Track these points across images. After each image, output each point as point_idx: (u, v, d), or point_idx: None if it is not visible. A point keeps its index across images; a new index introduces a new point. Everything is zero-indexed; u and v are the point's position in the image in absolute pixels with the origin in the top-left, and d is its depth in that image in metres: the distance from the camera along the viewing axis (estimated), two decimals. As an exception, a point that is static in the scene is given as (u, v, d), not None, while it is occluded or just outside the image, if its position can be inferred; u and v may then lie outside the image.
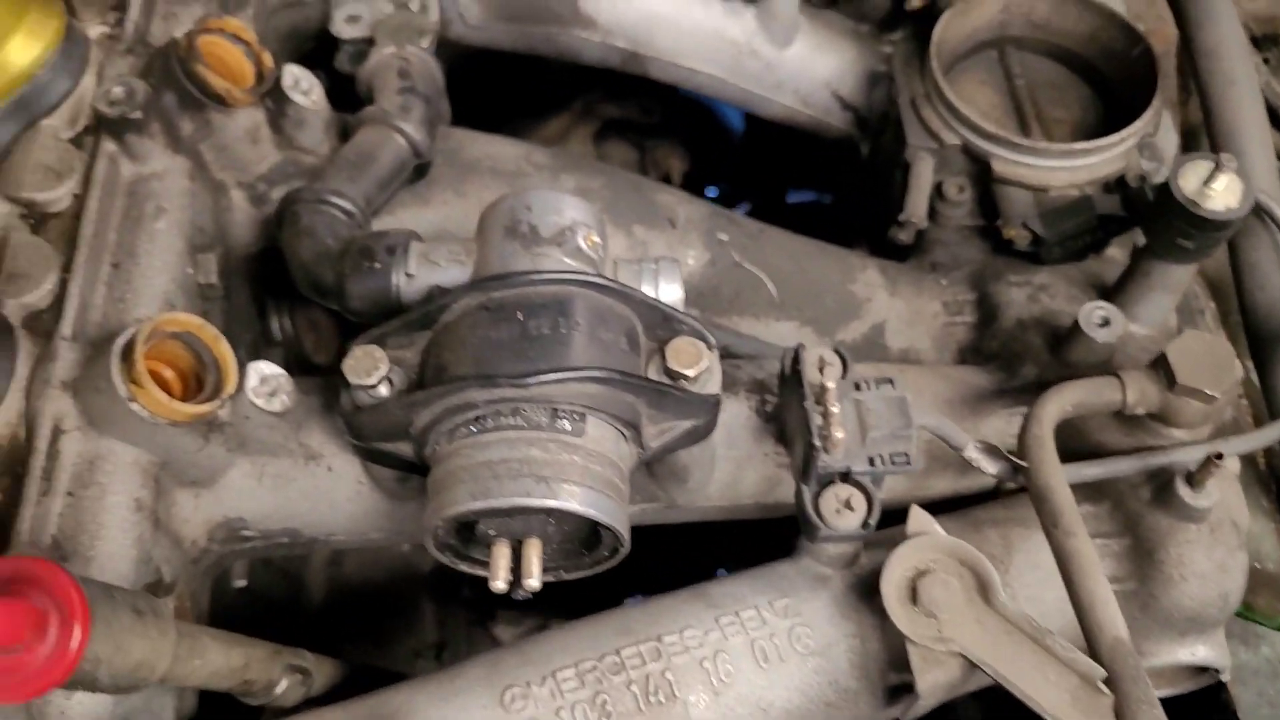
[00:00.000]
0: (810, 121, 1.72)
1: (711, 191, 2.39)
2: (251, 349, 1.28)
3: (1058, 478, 1.07)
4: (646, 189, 1.37)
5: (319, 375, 1.35)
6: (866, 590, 1.08)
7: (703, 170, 2.32)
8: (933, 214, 1.48)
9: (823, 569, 1.09)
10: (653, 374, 1.00)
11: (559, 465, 0.90)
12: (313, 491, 1.08)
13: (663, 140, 2.18)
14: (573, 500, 0.89)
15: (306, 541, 1.12)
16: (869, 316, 1.43)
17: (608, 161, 2.13)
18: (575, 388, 0.92)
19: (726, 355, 1.35)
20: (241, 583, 1.30)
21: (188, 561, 1.06)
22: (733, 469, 1.19)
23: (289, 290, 1.49)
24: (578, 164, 1.35)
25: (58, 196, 1.09)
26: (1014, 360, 1.35)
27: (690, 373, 0.99)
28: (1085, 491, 1.18)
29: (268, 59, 1.18)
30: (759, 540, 1.19)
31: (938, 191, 1.48)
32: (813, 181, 2.46)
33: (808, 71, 1.67)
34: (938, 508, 1.23)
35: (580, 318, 0.95)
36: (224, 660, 0.88)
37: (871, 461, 1.05)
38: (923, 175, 1.46)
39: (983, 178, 1.46)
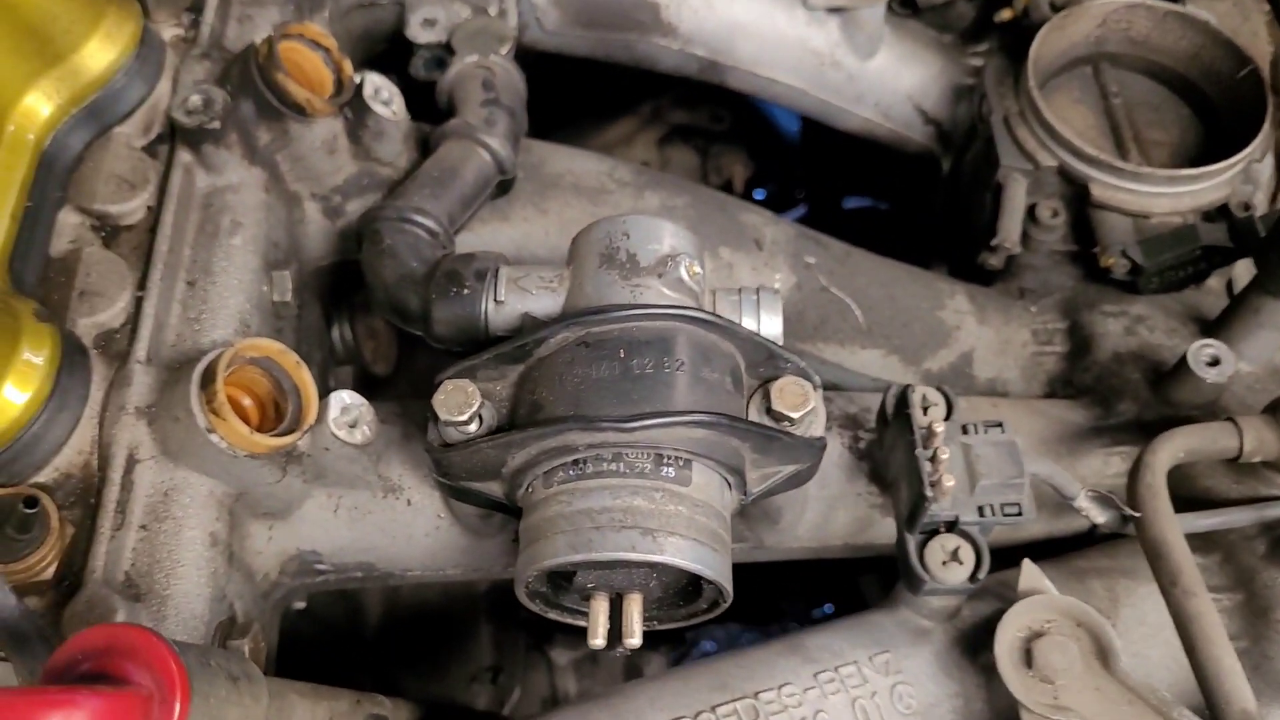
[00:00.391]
0: (890, 135, 1.66)
1: (759, 194, 2.34)
2: (321, 367, 1.23)
3: (1174, 531, 1.01)
4: (732, 208, 1.31)
5: (381, 387, 1.30)
6: (970, 646, 1.02)
7: (761, 177, 2.27)
8: (1024, 237, 1.42)
9: (923, 622, 1.03)
10: (754, 415, 0.94)
11: (664, 516, 0.85)
12: (390, 525, 1.04)
13: (726, 146, 2.12)
14: (679, 555, 0.84)
15: (381, 576, 1.07)
16: (957, 345, 1.37)
17: (670, 167, 2.08)
18: (681, 432, 0.87)
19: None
20: (301, 605, 1.25)
21: (259, 595, 1.01)
22: (824, 509, 1.13)
23: (349, 299, 1.45)
24: (662, 181, 1.29)
25: (131, 209, 1.04)
26: (1111, 396, 1.29)
27: (796, 415, 0.93)
28: (1194, 541, 1.12)
29: (348, 67, 1.13)
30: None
31: (1030, 214, 1.42)
32: (869, 188, 2.42)
33: (890, 84, 1.61)
34: (1027, 551, 1.18)
35: (684, 356, 0.89)
36: (308, 716, 0.83)
37: (981, 511, 0.99)
38: (1016, 198, 1.40)
39: (1079, 201, 1.40)
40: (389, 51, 1.39)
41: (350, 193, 1.17)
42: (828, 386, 1.35)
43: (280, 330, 1.10)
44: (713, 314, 0.92)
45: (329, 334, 1.31)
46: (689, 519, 0.86)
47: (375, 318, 1.54)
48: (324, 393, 0.98)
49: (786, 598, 1.87)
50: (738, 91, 1.60)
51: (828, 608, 2.30)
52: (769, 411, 0.94)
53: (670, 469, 0.87)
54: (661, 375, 0.88)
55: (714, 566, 0.86)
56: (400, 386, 1.62)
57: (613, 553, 0.83)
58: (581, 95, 1.94)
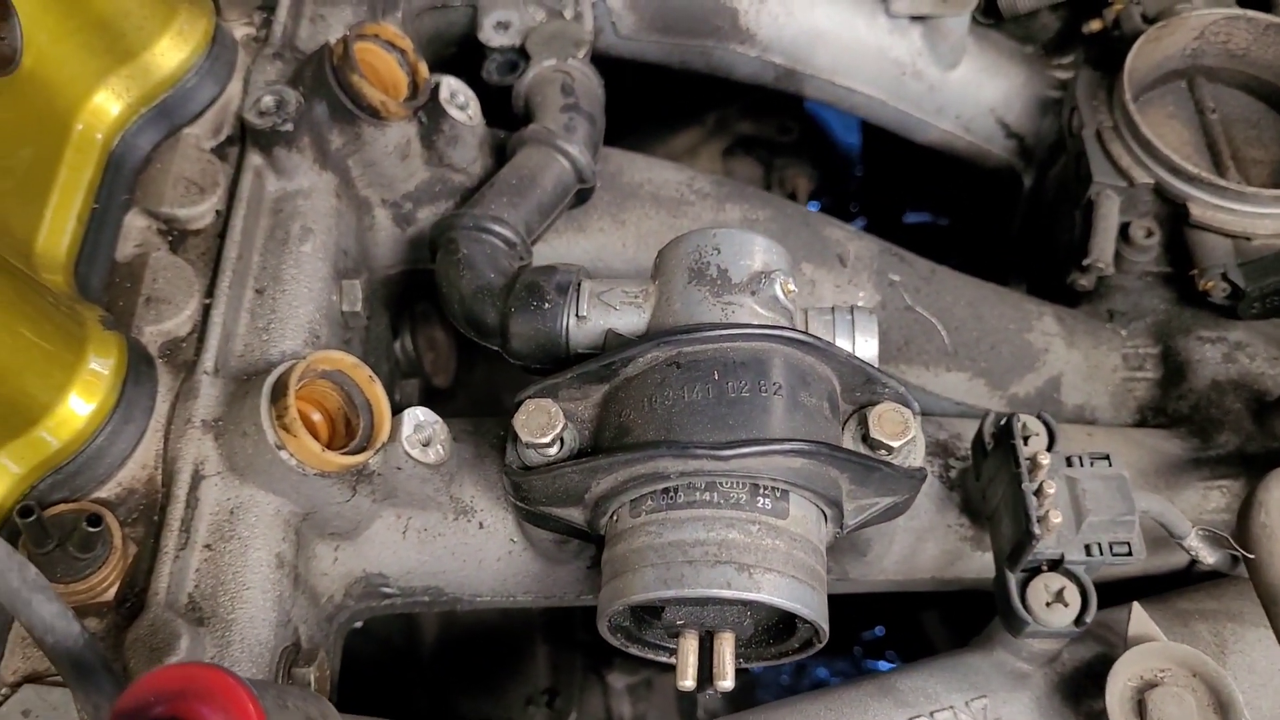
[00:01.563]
0: (970, 149, 1.60)
1: (813, 206, 2.29)
2: (388, 380, 1.18)
3: (1292, 577, 0.94)
4: (815, 222, 1.25)
5: (439, 400, 1.25)
6: (1072, 693, 0.96)
7: (818, 191, 2.22)
8: (1115, 258, 1.35)
9: (1022, 665, 0.97)
10: (850, 443, 0.89)
11: (761, 551, 0.79)
12: (460, 549, 0.99)
13: (791, 159, 2.06)
14: (777, 594, 0.78)
15: (449, 601, 1.02)
16: (1045, 369, 1.31)
17: (733, 178, 2.02)
18: (778, 461, 0.81)
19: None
20: (358, 624, 1.21)
21: (323, 619, 0.97)
22: (912, 541, 1.07)
23: (410, 309, 1.41)
24: (743, 194, 1.24)
25: (200, 213, 1.00)
26: (1209, 426, 1.23)
27: (895, 444, 0.88)
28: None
29: (423, 69, 1.09)
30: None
31: (1123, 234, 1.35)
32: (929, 204, 2.36)
33: (972, 96, 1.55)
34: (1117, 588, 1.12)
35: (781, 379, 0.84)
36: (381, 755, 0.79)
37: (1089, 550, 0.93)
38: (1109, 216, 1.33)
39: (1175, 221, 1.33)
40: (459, 55, 1.36)
41: (422, 200, 1.13)
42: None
43: (349, 341, 1.06)
44: (811, 335, 0.87)
45: (394, 346, 1.27)
46: (786, 554, 0.81)
47: (435, 328, 1.50)
48: (393, 408, 0.94)
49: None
50: (815, 100, 1.55)
51: (878, 630, 2.24)
52: (865, 439, 0.89)
53: (767, 500, 0.82)
54: (758, 400, 0.83)
55: (812, 605, 0.81)
56: (459, 400, 1.58)
57: (706, 590, 0.78)
58: (645, 105, 1.90)
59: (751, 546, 0.79)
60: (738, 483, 0.81)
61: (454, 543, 0.98)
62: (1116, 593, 1.06)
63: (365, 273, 1.10)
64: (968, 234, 2.13)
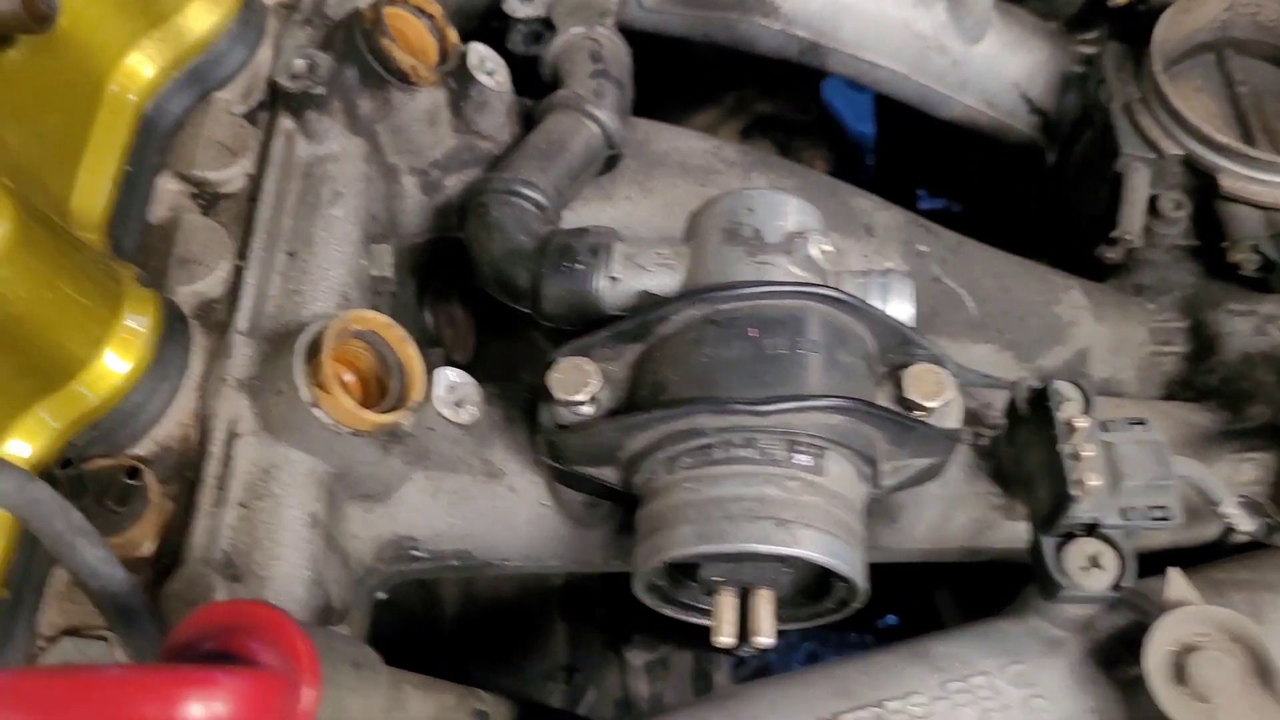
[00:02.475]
0: (992, 124, 1.59)
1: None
2: (417, 346, 1.17)
3: (1331, 545, 0.94)
4: (842, 192, 1.25)
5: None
6: (1107, 659, 0.95)
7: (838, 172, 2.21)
8: (1143, 231, 1.34)
9: (1057, 631, 0.96)
10: (885, 403, 0.88)
11: (800, 507, 0.79)
12: (491, 512, 0.98)
13: (807, 140, 2.05)
14: (816, 549, 0.78)
15: (478, 565, 1.02)
16: (1073, 342, 1.30)
17: (751, 157, 2.02)
18: (816, 417, 0.81)
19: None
20: (382, 595, 1.21)
21: (354, 581, 0.97)
22: (943, 509, 1.07)
23: (432, 282, 1.40)
24: (768, 162, 1.24)
25: (231, 176, 1.00)
26: (1240, 399, 1.22)
27: (931, 404, 0.87)
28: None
29: (453, 35, 1.09)
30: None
31: (1151, 207, 1.34)
32: (943, 189, 2.35)
33: (996, 70, 1.54)
34: (1153, 560, 1.11)
35: (818, 336, 0.84)
36: (421, 709, 0.78)
37: (1125, 514, 0.92)
38: (1138, 188, 1.32)
39: (1204, 193, 1.32)
40: (481, 28, 1.35)
41: (450, 167, 1.13)
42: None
43: (378, 306, 1.05)
44: (847, 293, 0.86)
45: (421, 314, 1.26)
46: (825, 510, 0.80)
47: (454, 304, 1.50)
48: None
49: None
50: (839, 74, 1.54)
51: (890, 619, 2.22)
52: (901, 400, 0.88)
53: (805, 456, 0.82)
54: (795, 356, 0.82)
55: (851, 562, 0.80)
56: (476, 376, 1.57)
57: (746, 544, 0.78)
58: (664, 83, 1.89)
59: (790, 502, 0.79)
60: (776, 439, 0.81)
61: (484, 506, 0.98)
62: (1150, 565, 1.05)
63: (394, 239, 1.10)
64: (983, 219, 2.12)
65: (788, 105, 1.94)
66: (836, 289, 0.86)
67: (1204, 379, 1.28)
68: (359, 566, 0.98)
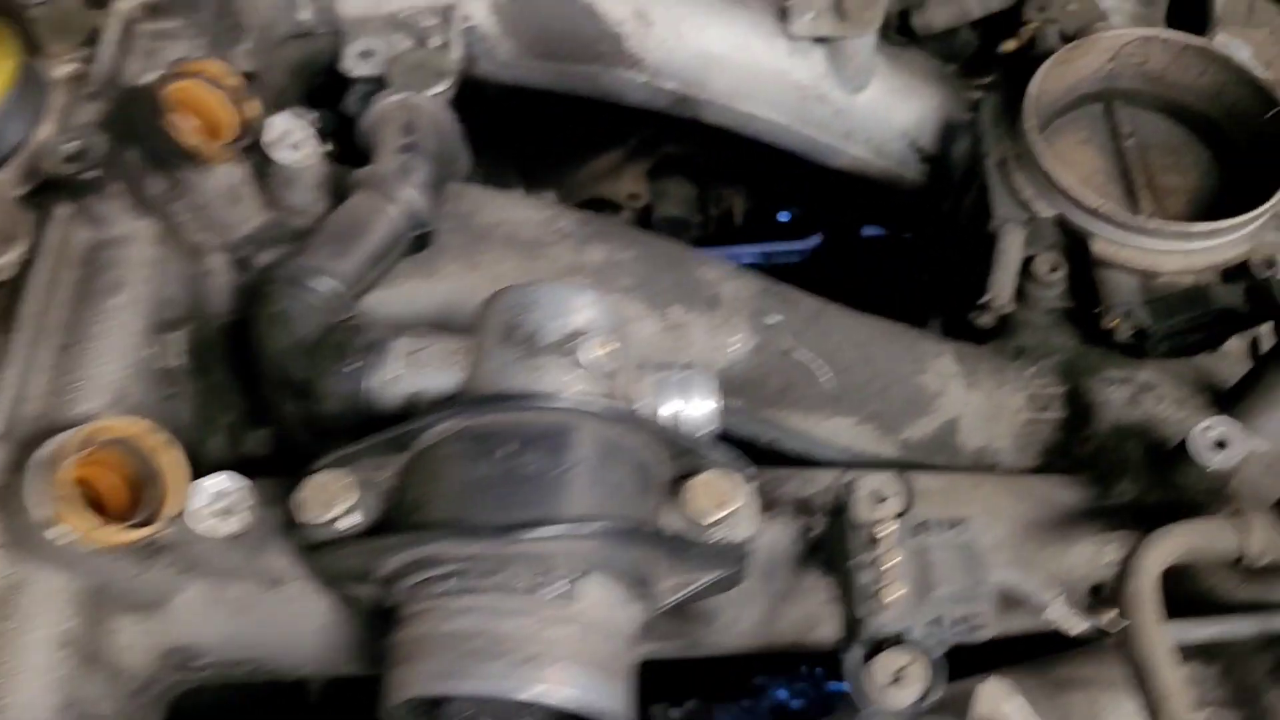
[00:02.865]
0: (883, 174, 1.54)
1: (784, 216, 2.23)
2: (230, 432, 1.12)
3: (1163, 647, 0.89)
4: (688, 263, 1.19)
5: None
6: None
7: (769, 203, 2.15)
8: (1020, 293, 1.28)
9: (875, 743, 0.91)
10: (671, 518, 0.83)
11: (546, 643, 0.74)
12: (275, 621, 0.93)
13: (723, 176, 2.00)
14: (563, 687, 0.73)
15: (270, 673, 0.97)
16: (940, 413, 1.24)
17: (665, 199, 1.96)
18: (570, 544, 0.75)
19: (772, 457, 1.18)
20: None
21: (128, 694, 0.92)
22: (768, 605, 1.01)
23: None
24: (608, 233, 1.18)
25: (3, 265, 0.95)
26: (1109, 474, 1.16)
27: (720, 514, 0.82)
28: (1194, 649, 1.00)
29: (253, 107, 1.03)
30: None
31: (1026, 268, 1.28)
32: (887, 218, 2.29)
33: (883, 119, 1.49)
34: (1004, 646, 1.06)
35: (581, 453, 0.79)
36: None
37: (934, 625, 0.87)
38: (1010, 251, 1.26)
39: (1080, 255, 1.26)
40: (330, 85, 1.30)
41: (263, 242, 1.08)
42: (797, 460, 1.24)
43: (173, 397, 1.01)
44: (614, 405, 0.81)
45: (251, 394, 1.21)
46: (578, 644, 0.75)
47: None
48: (230, 463, 0.89)
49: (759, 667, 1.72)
50: (716, 125, 1.48)
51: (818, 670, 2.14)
52: (688, 515, 0.83)
53: (559, 585, 0.76)
54: (552, 476, 0.77)
55: (605, 697, 0.75)
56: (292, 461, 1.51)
57: (480, 685, 0.72)
58: (568, 126, 1.83)
59: (534, 637, 0.74)
60: (524, 567, 0.76)
61: (266, 615, 0.93)
62: (995, 654, 1.00)
63: (195, 322, 1.04)
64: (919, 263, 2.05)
65: (694, 145, 1.88)
66: (599, 401, 0.80)
67: (1079, 449, 1.22)
68: (133, 679, 0.92)
